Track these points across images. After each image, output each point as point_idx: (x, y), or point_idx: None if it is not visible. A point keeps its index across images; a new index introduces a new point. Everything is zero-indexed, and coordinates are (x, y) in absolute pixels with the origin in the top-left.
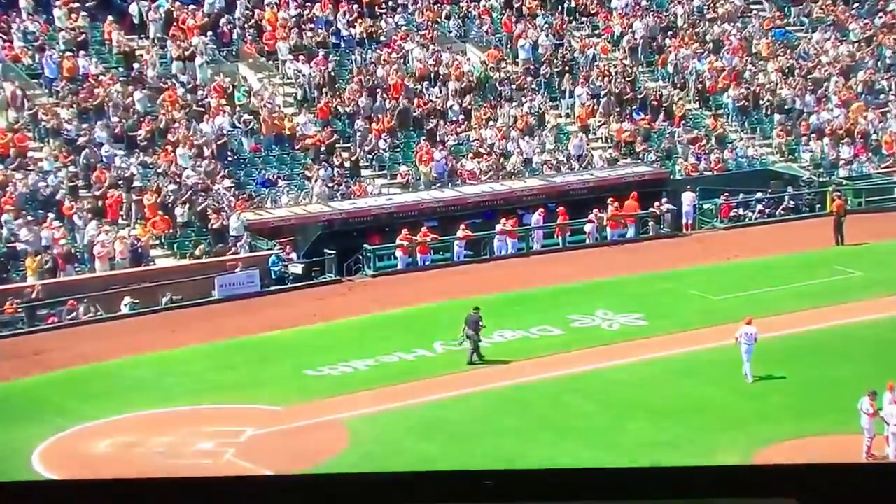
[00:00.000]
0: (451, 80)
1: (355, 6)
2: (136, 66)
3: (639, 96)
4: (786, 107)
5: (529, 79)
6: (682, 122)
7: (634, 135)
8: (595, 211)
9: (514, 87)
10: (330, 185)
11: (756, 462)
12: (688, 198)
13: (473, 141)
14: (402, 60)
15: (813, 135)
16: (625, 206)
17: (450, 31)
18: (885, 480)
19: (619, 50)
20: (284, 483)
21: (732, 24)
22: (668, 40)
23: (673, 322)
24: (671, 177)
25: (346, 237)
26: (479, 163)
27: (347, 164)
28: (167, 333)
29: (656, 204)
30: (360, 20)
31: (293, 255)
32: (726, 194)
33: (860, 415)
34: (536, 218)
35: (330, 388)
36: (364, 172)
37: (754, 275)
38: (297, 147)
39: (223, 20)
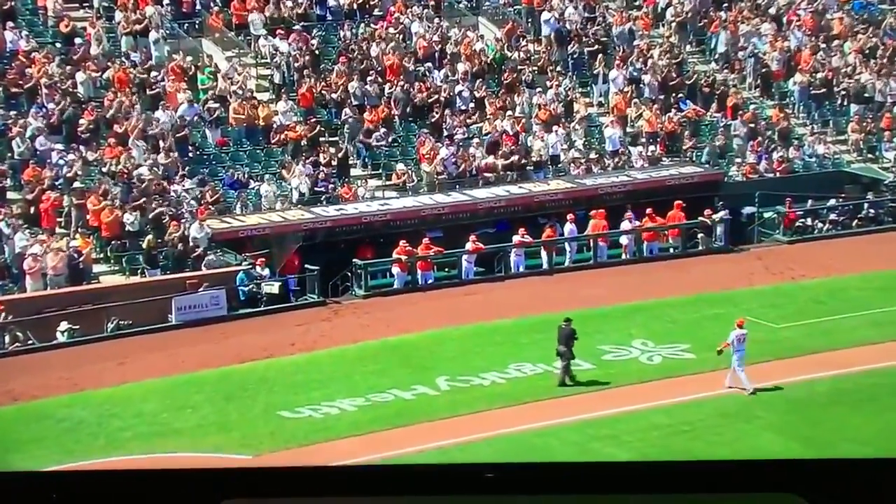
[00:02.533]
0: (460, 61)
1: None
2: (76, 41)
3: (687, 82)
4: (865, 95)
5: (554, 59)
6: (738, 112)
7: (681, 128)
8: (628, 216)
9: (535, 69)
10: (312, 186)
11: None
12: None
13: (486, 134)
14: (400, 37)
15: None
16: (667, 217)
17: (459, 2)
18: (893, 476)
19: (663, 25)
20: (283, 475)
21: None
22: (722, 13)
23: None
24: (725, 179)
25: (331, 250)
26: (482, 154)
27: (334, 162)
28: (113, 366)
29: (707, 212)
30: None
31: (266, 272)
32: (790, 200)
33: None
34: (570, 228)
35: (311, 432)
36: (354, 172)
37: (825, 298)
38: (272, 141)
39: None
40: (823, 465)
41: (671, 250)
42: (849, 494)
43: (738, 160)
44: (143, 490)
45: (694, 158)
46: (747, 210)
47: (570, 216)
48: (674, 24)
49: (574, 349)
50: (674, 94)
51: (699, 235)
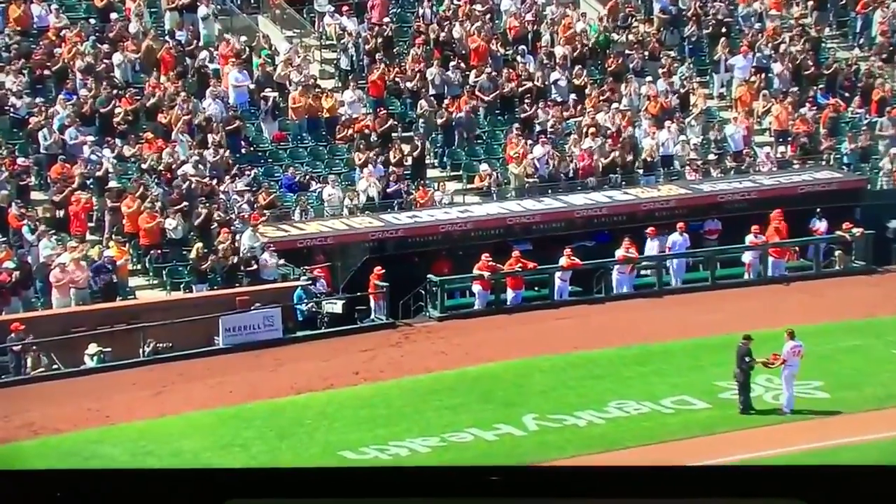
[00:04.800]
0: (558, 45)
1: None
2: (113, 16)
3: (825, 71)
4: None
5: (668, 43)
6: (886, 108)
7: (816, 126)
8: (754, 230)
9: (645, 54)
10: (383, 189)
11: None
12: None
13: (585, 126)
14: (487, 15)
15: None
16: (769, 231)
17: None
18: (894, 483)
19: (797, 4)
20: (286, 475)
21: None
22: None
23: (866, 395)
24: (869, 186)
25: (403, 264)
26: (580, 148)
27: (408, 162)
28: (150, 396)
29: (845, 226)
30: None
31: (323, 286)
32: None
33: None
34: (678, 239)
35: None
36: (430, 173)
37: None
38: (338, 136)
39: None
40: (825, 471)
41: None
42: (850, 500)
43: (885, 164)
44: (148, 489)
45: (832, 162)
46: (894, 224)
47: (679, 225)
48: (810, 3)
49: (751, 373)
50: (809, 86)
51: (836, 253)
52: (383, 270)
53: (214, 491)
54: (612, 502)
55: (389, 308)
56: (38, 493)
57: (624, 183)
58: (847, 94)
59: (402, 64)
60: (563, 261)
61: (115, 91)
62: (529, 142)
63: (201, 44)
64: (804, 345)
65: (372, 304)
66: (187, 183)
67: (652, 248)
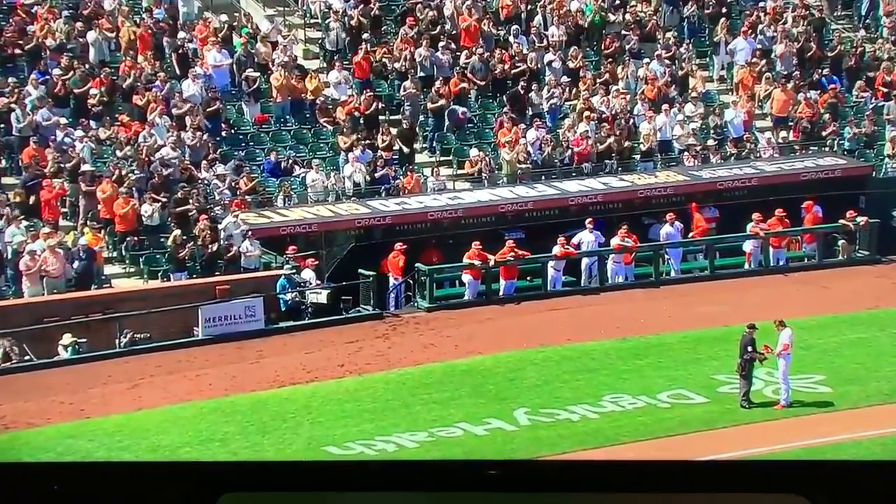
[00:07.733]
0: (552, 24)
1: None
2: None
3: (829, 53)
4: None
5: (666, 24)
6: (892, 93)
7: (820, 111)
8: (756, 217)
9: (642, 35)
10: (370, 175)
11: None
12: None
13: (581, 110)
14: None
15: None
16: (807, 219)
17: None
18: None
19: None
20: (283, 470)
21: None
22: None
23: (870, 390)
24: (874, 174)
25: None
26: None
27: (395, 146)
28: (126, 388)
29: (849, 214)
30: None
31: (310, 276)
32: None
33: None
34: (669, 230)
35: None
36: (419, 158)
37: None
38: (322, 119)
39: None
40: (827, 466)
41: (805, 259)
42: (853, 497)
43: (890, 150)
44: (143, 483)
45: (835, 148)
46: None
47: (669, 216)
48: None
49: (754, 364)
50: (812, 69)
51: (840, 242)
52: (405, 247)
53: (210, 485)
54: (609, 497)
55: (377, 298)
56: (34, 486)
57: (620, 169)
58: (847, 79)
59: (390, 44)
60: (556, 249)
61: (87, 68)
62: (522, 126)
63: (180, 22)
64: (807, 338)
65: (392, 280)
66: (166, 168)
67: (586, 243)
